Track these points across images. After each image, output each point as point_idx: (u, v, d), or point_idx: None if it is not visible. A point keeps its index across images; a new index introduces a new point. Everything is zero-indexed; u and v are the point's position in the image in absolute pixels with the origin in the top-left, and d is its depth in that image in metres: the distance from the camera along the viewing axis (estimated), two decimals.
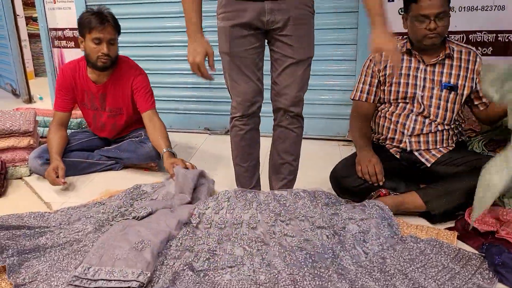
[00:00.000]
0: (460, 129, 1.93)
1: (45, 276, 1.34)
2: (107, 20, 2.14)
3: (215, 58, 1.57)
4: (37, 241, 1.52)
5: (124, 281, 1.24)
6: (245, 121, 1.74)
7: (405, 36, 1.99)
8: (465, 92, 1.88)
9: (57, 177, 2.06)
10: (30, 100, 4.33)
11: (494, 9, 2.40)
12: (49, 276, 1.34)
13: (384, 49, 1.46)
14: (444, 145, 1.88)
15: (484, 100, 1.88)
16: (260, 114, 1.79)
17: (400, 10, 2.54)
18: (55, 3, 3.32)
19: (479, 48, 2.46)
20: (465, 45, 1.93)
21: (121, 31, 2.27)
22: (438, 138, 1.88)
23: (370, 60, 2.01)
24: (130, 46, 2.96)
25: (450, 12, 1.83)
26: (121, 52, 2.34)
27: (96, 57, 2.16)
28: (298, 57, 1.63)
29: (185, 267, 1.35)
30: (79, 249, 1.49)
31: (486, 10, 2.41)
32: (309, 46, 1.66)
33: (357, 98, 2.03)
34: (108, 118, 2.37)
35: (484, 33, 2.45)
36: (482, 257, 1.42)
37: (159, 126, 2.24)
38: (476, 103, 1.91)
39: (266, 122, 1.93)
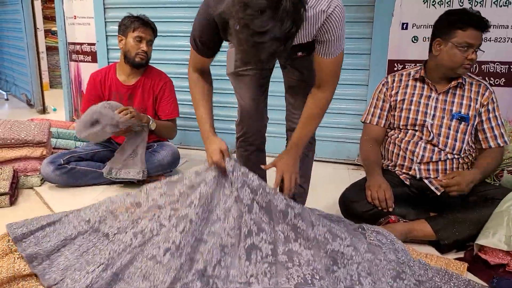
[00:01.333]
0: (470, 158, 1.92)
1: (73, 271, 1.35)
2: (149, 24, 2.40)
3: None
4: (61, 235, 1.54)
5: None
6: (250, 142, 1.76)
7: (418, 64, 2.02)
8: (475, 124, 1.88)
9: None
10: (44, 111, 4.40)
11: (507, 41, 2.43)
12: (76, 270, 1.35)
13: (278, 167, 1.54)
14: None
15: (482, 143, 1.91)
16: (267, 135, 1.81)
17: (413, 38, 2.58)
18: (75, 18, 3.42)
19: (492, 78, 2.48)
20: (477, 77, 1.94)
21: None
22: (447, 167, 1.87)
23: (383, 85, 2.03)
24: None
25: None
26: None
27: (135, 54, 2.37)
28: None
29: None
30: (106, 232, 1.50)
31: (499, 41, 2.44)
32: None
33: (368, 121, 2.05)
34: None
35: (497, 64, 2.47)
36: None
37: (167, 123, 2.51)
38: (479, 137, 1.91)
39: (273, 142, 1.95)
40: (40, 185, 2.33)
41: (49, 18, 5.83)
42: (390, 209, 1.79)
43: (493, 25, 2.40)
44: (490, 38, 2.43)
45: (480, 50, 1.80)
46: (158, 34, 2.52)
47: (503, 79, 2.47)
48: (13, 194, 2.14)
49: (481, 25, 1.76)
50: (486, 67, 2.48)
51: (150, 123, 2.35)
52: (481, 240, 1.58)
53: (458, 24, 1.78)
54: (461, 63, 1.81)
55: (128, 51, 2.38)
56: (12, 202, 2.10)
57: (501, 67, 2.46)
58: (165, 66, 2.79)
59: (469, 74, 1.94)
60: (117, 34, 2.43)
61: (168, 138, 2.56)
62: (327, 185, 2.39)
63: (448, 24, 1.81)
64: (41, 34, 5.44)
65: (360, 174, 2.42)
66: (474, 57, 1.79)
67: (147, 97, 2.47)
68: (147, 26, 2.38)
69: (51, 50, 5.82)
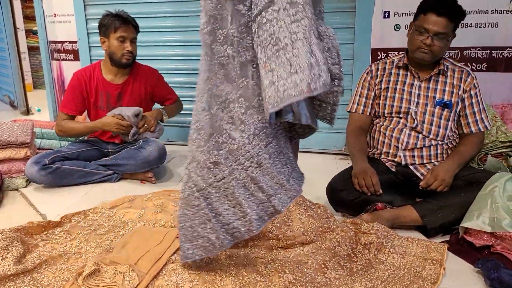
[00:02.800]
0: (454, 143, 1.94)
1: None
2: (129, 21, 2.34)
3: None
4: None
5: None
6: None
7: (401, 52, 2.03)
8: (458, 110, 1.90)
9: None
10: (27, 112, 4.34)
11: (488, 26, 2.45)
12: None
13: None
14: (439, 159, 1.89)
15: (463, 128, 1.92)
16: None
17: (396, 27, 2.59)
18: (55, 16, 3.36)
19: (474, 64, 2.50)
20: (459, 64, 1.96)
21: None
22: (432, 153, 1.89)
23: (367, 73, 2.04)
24: None
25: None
26: None
27: (121, 54, 2.32)
28: None
29: None
30: None
31: (480, 27, 2.46)
32: None
33: (353, 110, 2.05)
34: None
35: (478, 50, 2.49)
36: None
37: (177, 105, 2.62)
38: (461, 122, 1.93)
39: None
40: (25, 187, 2.30)
41: (29, 17, 5.72)
42: (378, 194, 1.80)
43: (473, 11, 2.43)
44: (471, 23, 2.46)
45: (444, 39, 1.78)
46: (143, 30, 2.49)
47: (484, 64, 2.50)
48: None
49: (443, 11, 1.74)
50: (468, 52, 2.50)
51: (164, 117, 2.47)
52: (466, 223, 1.60)
53: (423, 7, 1.81)
54: (417, 46, 1.82)
55: (113, 53, 2.33)
56: None
57: (482, 53, 2.48)
58: (152, 62, 2.76)
59: (451, 60, 1.96)
60: (98, 34, 2.39)
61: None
62: (315, 176, 2.39)
63: (418, 8, 1.85)
64: (22, 34, 5.34)
65: (347, 164, 2.43)
66: (429, 43, 1.78)
67: (138, 95, 2.44)
68: (128, 24, 2.32)
69: (33, 50, 5.72)
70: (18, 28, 4.35)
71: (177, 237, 1.62)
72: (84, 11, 3.17)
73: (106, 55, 2.39)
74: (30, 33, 5.80)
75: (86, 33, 3.22)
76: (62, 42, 3.39)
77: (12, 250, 1.47)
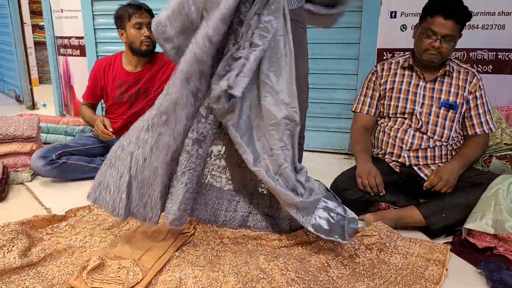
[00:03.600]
0: (459, 145, 1.94)
1: None
2: (142, 7, 2.32)
3: None
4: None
5: None
6: None
7: (407, 53, 2.03)
8: (463, 111, 1.90)
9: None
10: (33, 106, 4.37)
11: (494, 28, 2.44)
12: None
13: None
14: (443, 160, 1.89)
15: (468, 129, 1.92)
16: None
17: (402, 27, 2.58)
18: (62, 12, 3.38)
19: (480, 65, 2.50)
20: (465, 65, 1.95)
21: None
22: (436, 154, 1.89)
23: (372, 73, 2.04)
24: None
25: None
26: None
27: (140, 42, 2.31)
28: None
29: None
30: None
31: (486, 28, 2.45)
32: (303, 62, 1.65)
33: (358, 110, 2.06)
34: (142, 105, 2.43)
35: (485, 51, 2.48)
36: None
37: None
38: (466, 123, 1.92)
39: None
40: (30, 180, 2.32)
41: (36, 12, 5.74)
42: (381, 194, 1.81)
43: (480, 12, 2.42)
44: (478, 25, 2.45)
45: (452, 41, 1.78)
46: None
47: (490, 66, 2.49)
48: (3, 190, 2.13)
49: (450, 14, 1.74)
50: (474, 54, 2.49)
51: None
52: (469, 224, 1.60)
53: (429, 10, 1.80)
54: (424, 49, 1.82)
55: (132, 42, 2.32)
56: (2, 198, 2.09)
57: (489, 54, 2.48)
58: None
59: (457, 62, 1.95)
60: (105, 27, 2.40)
61: None
62: (319, 175, 2.39)
63: (424, 9, 1.84)
64: (28, 29, 5.37)
65: (351, 163, 2.43)
66: (437, 45, 1.78)
67: (157, 82, 2.41)
68: (141, 9, 2.30)
69: (40, 45, 5.75)
70: (24, 23, 4.38)
71: (182, 233, 1.63)
72: (91, 6, 3.18)
73: (126, 47, 2.39)
74: (36, 28, 5.83)
75: (92, 29, 3.23)
76: (69, 38, 3.41)
77: (17, 243, 1.49)
